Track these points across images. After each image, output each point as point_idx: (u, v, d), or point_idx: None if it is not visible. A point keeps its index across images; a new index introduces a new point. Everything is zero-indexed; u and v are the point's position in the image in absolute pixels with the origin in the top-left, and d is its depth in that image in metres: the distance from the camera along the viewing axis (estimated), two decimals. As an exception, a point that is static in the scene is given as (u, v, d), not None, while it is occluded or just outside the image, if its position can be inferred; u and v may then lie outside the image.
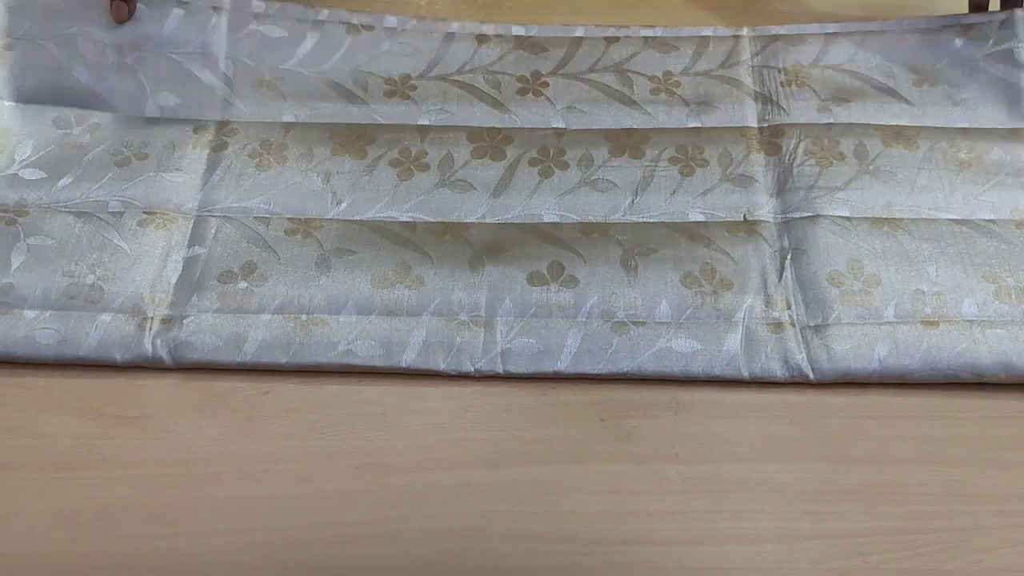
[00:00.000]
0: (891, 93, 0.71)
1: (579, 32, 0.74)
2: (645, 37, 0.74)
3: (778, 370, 0.57)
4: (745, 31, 0.74)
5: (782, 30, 0.74)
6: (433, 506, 0.52)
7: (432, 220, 0.65)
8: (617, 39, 0.74)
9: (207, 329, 0.58)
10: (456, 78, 0.72)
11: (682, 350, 0.58)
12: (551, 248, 0.63)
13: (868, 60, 0.73)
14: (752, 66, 0.73)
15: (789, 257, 0.62)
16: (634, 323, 0.59)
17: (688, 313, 0.60)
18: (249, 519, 0.52)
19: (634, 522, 0.52)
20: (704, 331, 0.59)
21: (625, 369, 0.57)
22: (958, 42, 0.72)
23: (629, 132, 0.69)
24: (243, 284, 0.61)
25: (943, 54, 0.72)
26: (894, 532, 0.51)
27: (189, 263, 0.62)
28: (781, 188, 0.66)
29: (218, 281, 0.61)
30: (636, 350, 0.58)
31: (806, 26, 0.74)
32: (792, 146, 0.68)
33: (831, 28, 0.74)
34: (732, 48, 0.74)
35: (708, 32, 0.75)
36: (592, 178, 0.67)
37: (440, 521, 0.52)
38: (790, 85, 0.71)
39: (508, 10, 0.81)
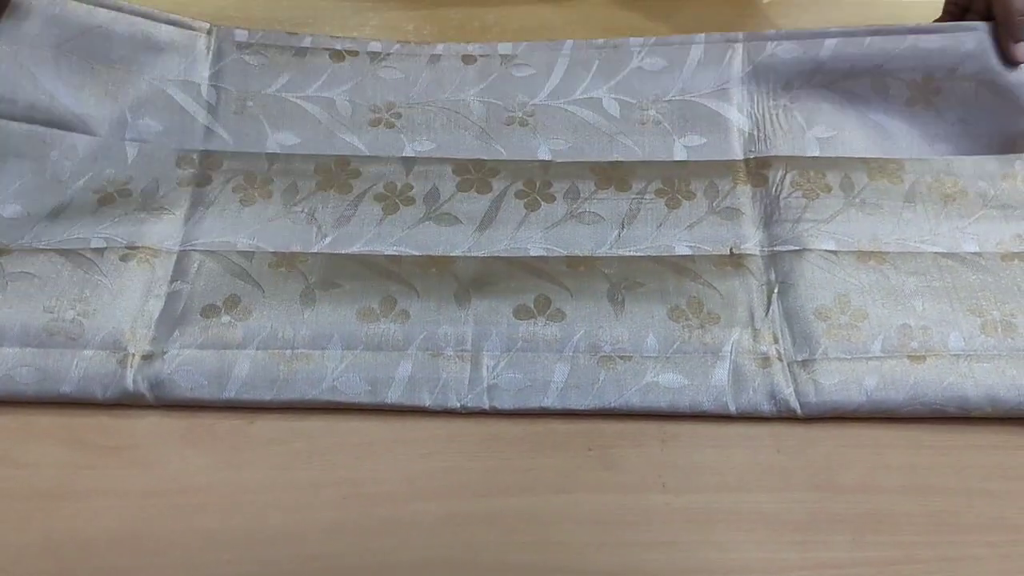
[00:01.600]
0: (878, 124, 0.73)
1: (566, 49, 0.75)
2: (635, 50, 0.75)
3: (765, 405, 0.59)
4: (739, 40, 0.74)
5: (775, 45, 0.73)
6: (420, 536, 0.54)
7: (417, 253, 0.66)
8: (605, 56, 0.74)
9: (189, 364, 0.60)
10: (442, 105, 0.74)
11: (669, 385, 0.60)
12: (537, 281, 0.65)
13: (858, 81, 0.73)
14: (741, 89, 0.74)
15: (776, 291, 0.64)
16: (621, 357, 0.61)
17: (675, 347, 0.61)
18: (235, 550, 0.54)
19: (622, 552, 0.54)
20: (691, 365, 0.61)
21: (612, 404, 0.59)
22: (950, 63, 0.72)
23: (615, 165, 0.71)
24: (226, 318, 0.62)
25: (934, 74, 0.73)
26: (881, 562, 0.53)
27: (171, 298, 0.64)
28: (768, 220, 0.68)
29: (201, 315, 0.62)
30: (623, 385, 0.60)
31: (800, 36, 0.73)
32: (779, 178, 0.70)
33: (825, 41, 0.73)
34: (724, 63, 0.74)
35: (699, 42, 0.74)
36: (578, 211, 0.69)
37: (427, 551, 0.54)
38: (778, 113, 0.73)
39: (496, 36, 0.83)
